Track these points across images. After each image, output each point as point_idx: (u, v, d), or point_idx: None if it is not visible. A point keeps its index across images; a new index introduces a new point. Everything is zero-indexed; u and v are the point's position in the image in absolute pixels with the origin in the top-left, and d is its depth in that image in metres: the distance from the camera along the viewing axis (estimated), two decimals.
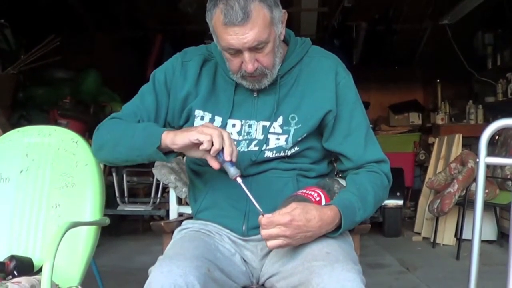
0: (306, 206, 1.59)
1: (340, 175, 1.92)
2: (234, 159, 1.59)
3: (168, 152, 1.67)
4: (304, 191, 1.70)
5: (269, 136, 1.78)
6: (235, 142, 1.74)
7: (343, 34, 8.01)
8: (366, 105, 7.04)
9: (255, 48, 1.66)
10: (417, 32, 8.25)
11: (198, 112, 1.82)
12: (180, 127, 1.85)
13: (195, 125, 1.81)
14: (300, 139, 1.77)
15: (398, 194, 6.00)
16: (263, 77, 1.74)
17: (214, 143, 1.56)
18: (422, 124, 8.22)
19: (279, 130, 1.78)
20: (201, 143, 1.57)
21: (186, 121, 1.85)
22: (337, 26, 7.83)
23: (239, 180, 1.61)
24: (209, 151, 1.58)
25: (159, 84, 1.87)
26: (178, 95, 1.84)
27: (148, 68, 7.88)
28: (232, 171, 1.60)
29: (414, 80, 8.98)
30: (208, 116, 1.82)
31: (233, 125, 1.80)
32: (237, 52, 1.67)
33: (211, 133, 1.57)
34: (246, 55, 1.66)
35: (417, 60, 8.74)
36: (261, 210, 1.57)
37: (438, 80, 8.21)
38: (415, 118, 8.28)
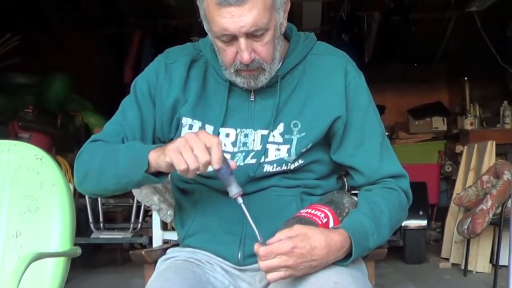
0: (309, 230, 1.58)
1: (351, 192, 1.93)
2: (233, 166, 1.58)
3: (160, 172, 1.67)
4: (309, 210, 1.70)
5: (268, 146, 1.78)
6: (230, 155, 1.75)
7: (353, 26, 8.05)
8: (381, 109, 7.08)
9: (252, 35, 1.66)
10: (440, 22, 8.29)
11: (186, 120, 1.83)
12: (171, 141, 1.85)
13: (182, 135, 1.81)
14: (304, 150, 1.77)
15: (420, 213, 6.00)
16: (260, 72, 1.74)
17: (189, 164, 1.53)
18: (447, 130, 8.25)
19: (280, 139, 1.78)
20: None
21: (176, 133, 1.86)
22: (346, 18, 7.87)
23: (240, 200, 1.60)
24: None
25: (141, 95, 1.87)
26: (165, 104, 1.84)
27: (125, 71, 7.92)
28: (234, 188, 1.59)
29: (437, 78, 9.03)
30: (197, 124, 1.82)
31: (227, 135, 1.81)
32: (232, 39, 1.68)
33: (189, 148, 1.54)
34: (242, 42, 1.66)
35: (440, 55, 8.78)
36: (261, 237, 1.57)
37: (465, 78, 8.24)
38: (439, 124, 8.30)
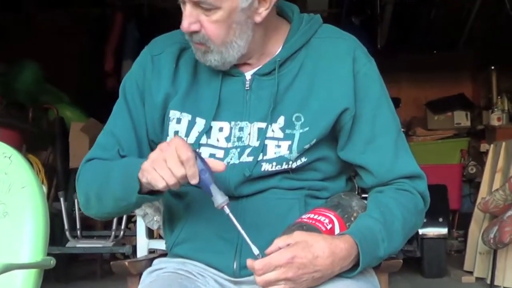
0: (311, 237, 1.59)
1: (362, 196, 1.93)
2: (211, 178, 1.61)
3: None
4: (311, 215, 1.70)
5: (267, 142, 1.79)
6: (223, 151, 1.77)
7: (364, 9, 8.05)
8: (396, 102, 7.05)
9: (199, 6, 1.71)
10: (464, 3, 8.28)
11: (173, 114, 1.85)
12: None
13: (169, 130, 1.85)
14: (308, 146, 1.78)
15: (440, 220, 6.01)
16: (207, 50, 1.78)
17: (166, 180, 1.59)
18: (471, 127, 8.25)
19: (280, 135, 1.79)
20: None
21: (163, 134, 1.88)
22: None
23: (226, 210, 1.62)
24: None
25: (131, 97, 1.91)
26: (155, 101, 1.87)
27: (106, 58, 7.91)
28: (219, 198, 1.62)
29: (460, 68, 9.02)
30: (186, 118, 1.84)
31: (220, 129, 1.82)
32: (185, 3, 1.74)
33: (162, 161, 1.58)
34: (187, 8, 1.74)
35: (463, 41, 8.77)
36: (256, 249, 1.58)
37: (492, 68, 8.24)
38: (462, 119, 8.30)
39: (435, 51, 8.81)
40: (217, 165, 1.64)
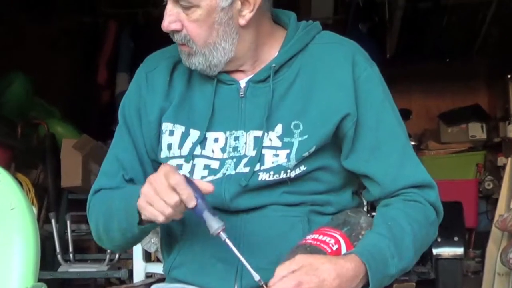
0: (315, 259, 1.59)
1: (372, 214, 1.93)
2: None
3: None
4: (316, 236, 1.70)
5: (264, 151, 1.80)
6: (219, 162, 1.80)
7: (372, 15, 8.05)
8: (406, 114, 7.06)
9: (179, 3, 1.76)
10: (478, 8, 8.29)
11: (166, 126, 1.88)
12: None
13: (163, 144, 1.88)
14: (307, 154, 1.79)
15: (456, 239, 5.99)
16: (190, 53, 1.82)
17: (163, 213, 1.62)
18: (487, 139, 8.24)
19: (278, 143, 1.81)
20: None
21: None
22: (363, 4, 7.87)
23: (223, 236, 1.63)
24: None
25: (130, 118, 1.96)
26: (150, 117, 1.91)
27: (99, 70, 7.92)
28: (214, 223, 1.63)
29: (475, 77, 9.03)
30: (180, 129, 1.87)
31: (215, 140, 1.85)
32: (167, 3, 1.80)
33: (154, 194, 1.62)
34: (168, 6, 1.79)
35: (478, 48, 8.77)
36: (257, 275, 1.58)
37: (509, 76, 8.22)
38: (477, 131, 8.29)
39: (447, 60, 8.81)
40: (206, 187, 1.65)
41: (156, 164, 1.91)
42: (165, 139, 1.87)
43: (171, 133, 1.87)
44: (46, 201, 6.55)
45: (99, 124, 7.64)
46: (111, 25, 8.15)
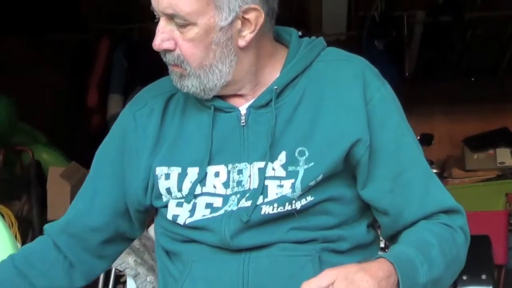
0: (346, 271, 1.58)
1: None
2: None
3: None
4: None
5: (267, 182, 1.79)
6: (222, 199, 1.79)
7: (389, 30, 8.08)
8: (428, 139, 7.06)
9: (173, 20, 1.76)
10: (504, 23, 8.32)
11: (160, 170, 1.88)
12: (149, 208, 1.96)
13: (160, 189, 1.88)
14: (313, 183, 1.78)
15: (483, 277, 5.97)
16: (183, 74, 1.82)
17: None
18: None
19: (282, 173, 1.79)
20: None
21: (153, 194, 1.92)
22: (379, 19, 7.90)
23: None
24: None
25: (102, 167, 2.04)
26: (140, 163, 1.92)
27: (89, 92, 7.93)
28: None
29: (502, 97, 9.03)
30: (176, 171, 1.86)
31: (216, 174, 1.83)
32: (160, 20, 1.80)
33: None
34: (160, 23, 1.78)
35: (506, 65, 8.79)
36: None
37: None
38: (506, 157, 8.28)
39: (472, 79, 8.82)
40: None
41: (148, 207, 1.96)
42: (162, 184, 1.86)
43: (167, 176, 1.86)
44: (31, 235, 6.53)
45: (89, 150, 7.58)
46: (103, 42, 8.16)
